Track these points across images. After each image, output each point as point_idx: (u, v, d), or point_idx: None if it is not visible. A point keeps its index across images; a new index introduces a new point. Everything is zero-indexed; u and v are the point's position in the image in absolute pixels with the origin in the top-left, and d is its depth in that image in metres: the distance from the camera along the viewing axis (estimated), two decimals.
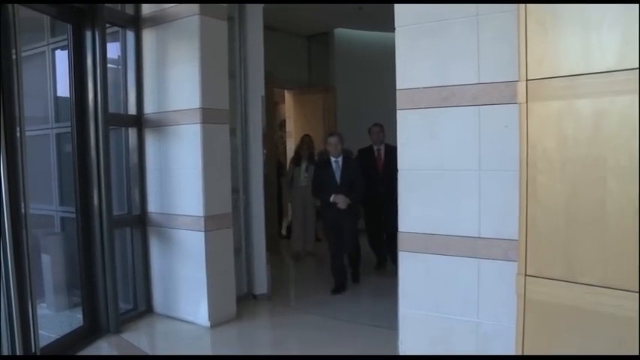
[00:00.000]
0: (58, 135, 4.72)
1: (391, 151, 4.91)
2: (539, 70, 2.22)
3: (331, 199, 5.24)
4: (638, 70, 1.93)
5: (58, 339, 3.82)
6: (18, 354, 3.11)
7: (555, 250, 2.21)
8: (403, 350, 3.30)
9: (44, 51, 4.79)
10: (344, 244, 5.39)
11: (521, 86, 2.27)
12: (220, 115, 4.38)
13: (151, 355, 3.82)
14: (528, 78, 2.25)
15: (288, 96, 8.89)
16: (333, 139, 5.39)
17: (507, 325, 2.67)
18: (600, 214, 2.07)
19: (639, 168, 1.92)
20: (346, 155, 5.52)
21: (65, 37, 4.26)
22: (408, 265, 3.25)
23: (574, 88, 2.12)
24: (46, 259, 4.47)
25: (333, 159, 5.38)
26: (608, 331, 2.05)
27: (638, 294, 1.93)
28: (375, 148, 5.92)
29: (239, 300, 4.69)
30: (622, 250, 2.01)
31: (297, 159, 6.99)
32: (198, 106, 4.17)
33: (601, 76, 2.04)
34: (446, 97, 3.04)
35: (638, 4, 1.92)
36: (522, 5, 2.24)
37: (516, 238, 2.38)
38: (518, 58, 2.28)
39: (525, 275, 2.29)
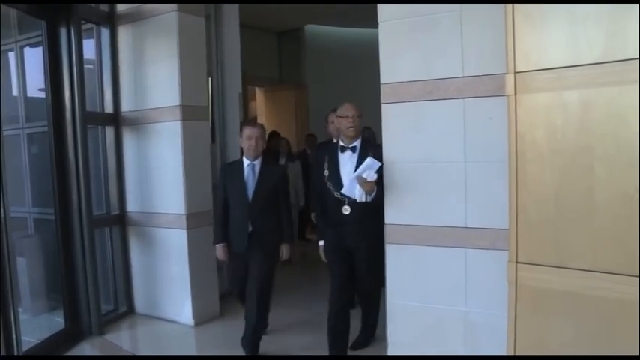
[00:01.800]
0: (29, 135, 4.60)
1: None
2: (527, 62, 2.27)
3: (218, 254, 3.68)
4: (624, 62, 2.00)
5: (40, 342, 3.74)
6: None
7: (546, 237, 2.27)
8: (392, 342, 3.34)
9: (12, 48, 4.66)
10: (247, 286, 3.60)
11: (510, 78, 2.32)
12: (200, 112, 4.35)
13: (137, 356, 3.77)
14: (516, 70, 2.30)
15: (259, 93, 8.87)
16: (252, 131, 3.54)
17: (496, 313, 2.73)
18: (589, 201, 2.13)
19: (638, 156, 1.99)
20: (267, 157, 3.78)
21: (34, 34, 4.16)
22: (396, 257, 3.28)
23: (561, 79, 2.18)
24: (21, 262, 4.35)
25: (246, 162, 3.57)
26: (599, 313, 2.12)
27: (629, 277, 2.00)
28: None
29: (221, 297, 4.66)
30: (610, 235, 2.08)
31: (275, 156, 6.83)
32: (177, 104, 4.13)
33: (588, 68, 2.11)
34: (430, 90, 3.07)
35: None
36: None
37: (503, 227, 2.45)
38: (506, 51, 2.33)
39: (516, 262, 2.35)
